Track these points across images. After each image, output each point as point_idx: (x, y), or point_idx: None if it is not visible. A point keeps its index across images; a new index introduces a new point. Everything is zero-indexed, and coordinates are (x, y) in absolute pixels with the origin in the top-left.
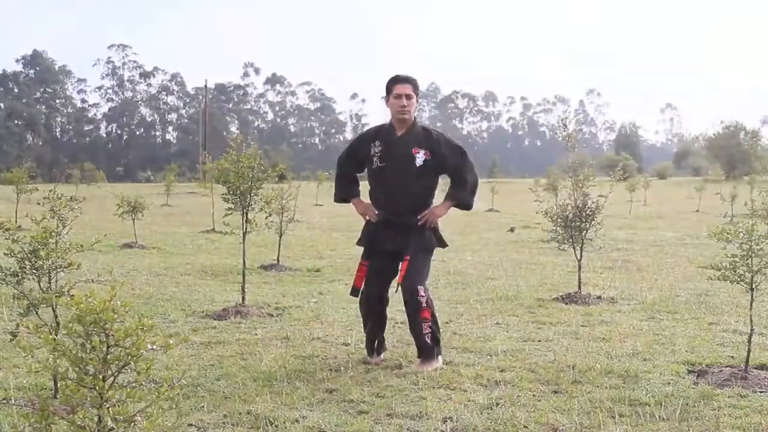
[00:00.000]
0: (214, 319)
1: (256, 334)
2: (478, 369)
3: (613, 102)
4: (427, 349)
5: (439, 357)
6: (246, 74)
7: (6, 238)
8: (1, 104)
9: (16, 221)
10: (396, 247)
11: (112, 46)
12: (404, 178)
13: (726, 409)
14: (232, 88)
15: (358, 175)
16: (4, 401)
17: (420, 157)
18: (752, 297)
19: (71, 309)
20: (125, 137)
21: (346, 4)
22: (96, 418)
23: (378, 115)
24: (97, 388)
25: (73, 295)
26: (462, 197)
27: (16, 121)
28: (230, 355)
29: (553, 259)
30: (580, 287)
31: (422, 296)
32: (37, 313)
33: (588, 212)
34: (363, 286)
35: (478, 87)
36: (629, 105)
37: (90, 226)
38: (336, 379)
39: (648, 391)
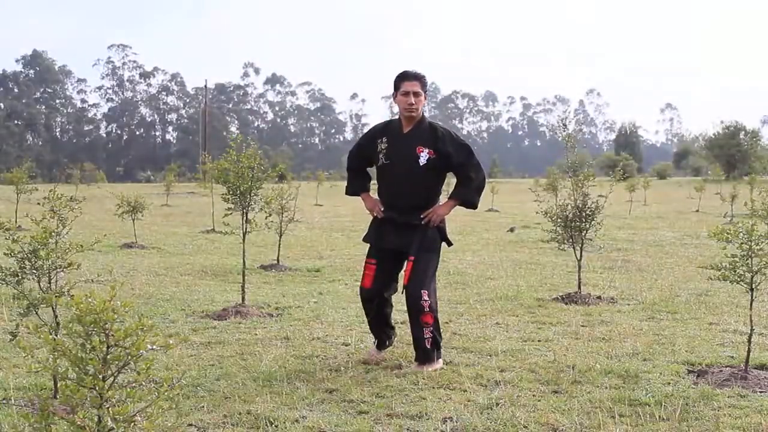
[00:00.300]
0: (214, 319)
1: (256, 334)
2: (478, 369)
3: (613, 102)
4: (426, 354)
5: (440, 359)
6: (246, 74)
7: (6, 238)
8: (1, 104)
9: (16, 221)
10: (400, 246)
11: (112, 46)
12: (407, 176)
13: (726, 409)
14: (232, 88)
15: (369, 169)
16: (4, 401)
17: (424, 156)
18: (752, 297)
19: (71, 309)
20: (125, 137)
21: (346, 4)
22: (96, 418)
23: (378, 115)
24: (97, 388)
25: (73, 295)
26: (466, 196)
27: (16, 121)
28: (230, 355)
29: (553, 259)
30: (580, 287)
31: (425, 300)
32: (37, 313)
33: (588, 212)
34: (363, 281)
35: (478, 87)
36: (629, 105)
37: (90, 226)
38: (336, 379)
39: (648, 391)
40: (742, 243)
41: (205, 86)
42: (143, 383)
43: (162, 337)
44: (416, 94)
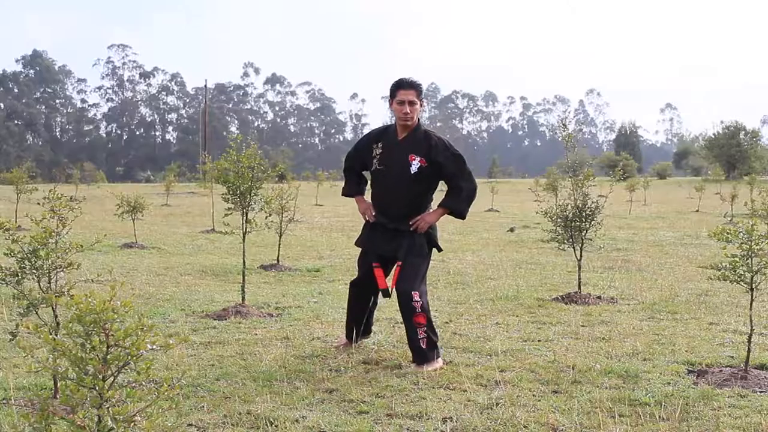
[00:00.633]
0: (214, 319)
1: (256, 334)
2: (478, 369)
3: (613, 102)
4: (421, 354)
5: (439, 358)
6: (246, 74)
7: (6, 238)
8: (1, 104)
9: (16, 221)
10: (388, 252)
11: (112, 46)
12: (399, 183)
13: (726, 409)
14: (232, 88)
15: (365, 172)
16: (4, 401)
17: (415, 165)
18: (752, 297)
19: (71, 309)
20: (125, 137)
21: (346, 4)
22: (96, 418)
23: (378, 114)
24: (97, 388)
25: (73, 295)
26: (455, 205)
27: (16, 121)
28: (230, 355)
29: (553, 259)
30: (580, 287)
31: (417, 301)
32: (37, 313)
33: (588, 212)
34: (358, 269)
35: (478, 87)
36: (629, 105)
37: (90, 226)
38: (336, 379)
39: (648, 391)
40: (742, 243)
41: (205, 86)
42: (143, 383)
43: (162, 337)
44: (411, 103)
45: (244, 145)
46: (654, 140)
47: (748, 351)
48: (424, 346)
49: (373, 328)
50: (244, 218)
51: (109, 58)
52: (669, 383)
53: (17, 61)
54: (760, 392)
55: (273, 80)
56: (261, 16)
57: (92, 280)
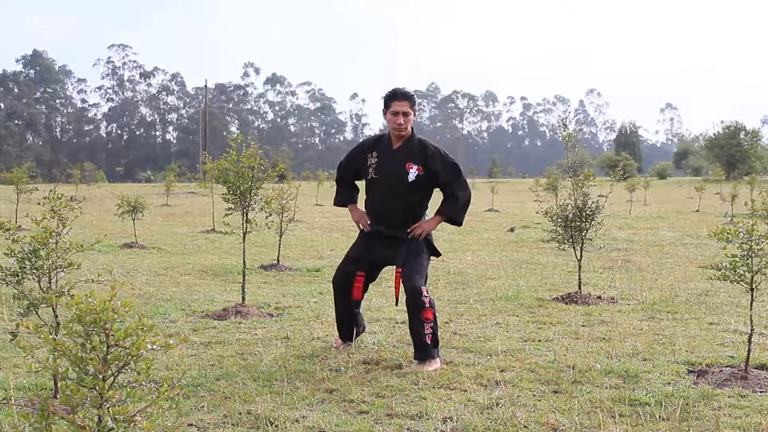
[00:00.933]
0: (214, 319)
1: (256, 334)
2: (478, 369)
3: (613, 102)
4: (426, 349)
5: (438, 358)
6: (246, 74)
7: (6, 238)
8: (1, 104)
9: (16, 221)
10: (386, 259)
11: (112, 46)
12: (396, 191)
13: (726, 409)
14: (232, 88)
15: (357, 182)
16: (4, 401)
17: (413, 173)
18: (752, 297)
19: (71, 309)
20: (125, 137)
21: (346, 4)
22: (96, 418)
23: (378, 114)
24: (97, 388)
25: (73, 295)
26: (452, 213)
27: (16, 121)
28: (230, 355)
29: (553, 259)
30: (580, 287)
31: (426, 296)
32: (37, 313)
33: (588, 212)
34: (340, 264)
35: (478, 87)
36: (629, 105)
37: (90, 226)
38: (336, 379)
39: (648, 391)
40: (742, 243)
41: (205, 86)
42: (143, 383)
43: (162, 337)
44: (405, 114)
45: (244, 145)
46: (654, 140)
47: (749, 351)
48: (429, 342)
49: (374, 327)
50: (244, 218)
51: (109, 58)
52: (669, 383)
53: (17, 61)
54: (760, 392)
55: (273, 80)
56: (261, 16)
57: (92, 280)
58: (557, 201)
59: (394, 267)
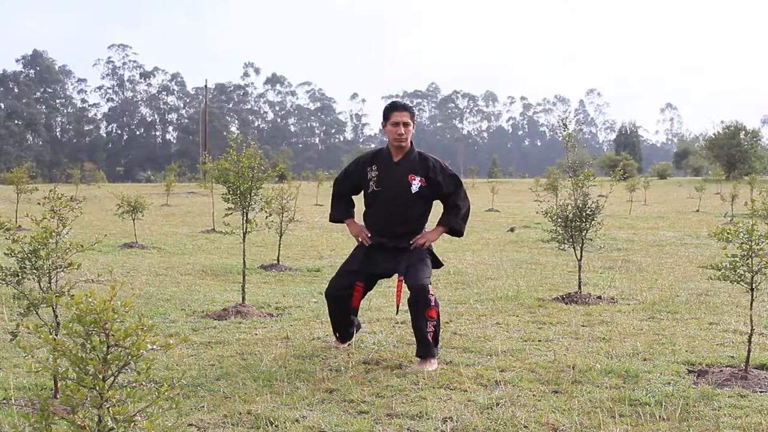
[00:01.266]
0: (214, 319)
1: (256, 334)
2: (478, 369)
3: (613, 102)
4: (427, 346)
5: (437, 357)
6: (246, 74)
7: (6, 238)
8: (1, 104)
9: (16, 221)
10: (389, 270)
11: (112, 46)
12: (399, 203)
13: (726, 409)
14: (232, 88)
15: (353, 197)
16: (4, 401)
17: (416, 184)
18: (752, 297)
19: (71, 309)
20: (125, 137)
21: (346, 4)
22: (96, 418)
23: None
24: (97, 388)
25: (73, 295)
26: (454, 224)
27: (16, 121)
28: (230, 355)
29: (553, 259)
30: (580, 287)
31: (432, 295)
32: (37, 313)
33: (588, 212)
34: (334, 276)
35: (478, 87)
36: (629, 105)
37: (90, 226)
38: (336, 379)
39: (648, 391)
40: (742, 243)
41: (206, 86)
42: (143, 383)
43: (162, 337)
44: (405, 125)
45: (244, 145)
46: (654, 140)
47: (749, 351)
48: (431, 339)
49: (374, 327)
50: (244, 218)
51: (109, 58)
52: (669, 383)
53: (17, 61)
54: (761, 392)
55: (273, 80)
56: (261, 16)
57: (92, 280)
58: (557, 201)
59: (396, 275)
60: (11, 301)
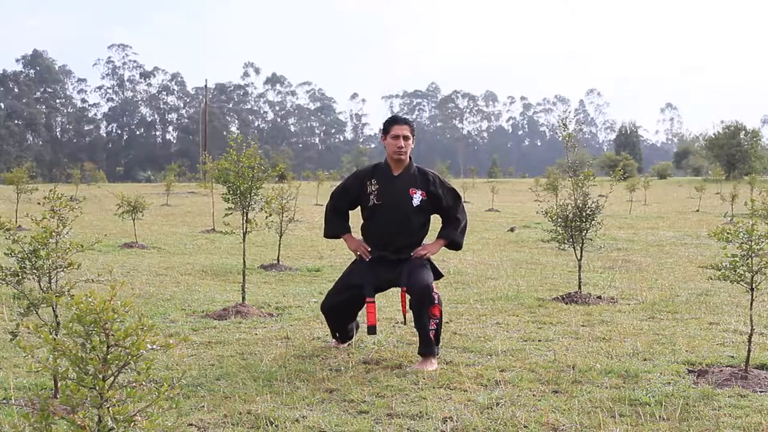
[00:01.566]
0: (214, 319)
1: (256, 334)
2: (478, 369)
3: (613, 102)
4: (429, 344)
5: (437, 357)
6: (246, 74)
7: (6, 238)
8: (1, 104)
9: (16, 221)
10: (390, 282)
11: (112, 46)
12: (401, 216)
13: (726, 409)
14: (232, 88)
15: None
16: (4, 401)
17: (417, 198)
18: (752, 297)
19: (71, 309)
20: (125, 137)
21: (346, 4)
22: (96, 418)
23: (378, 115)
24: (97, 388)
25: (73, 295)
26: (453, 237)
27: (16, 121)
28: (230, 355)
29: (553, 259)
30: (580, 287)
31: (436, 293)
32: (37, 313)
33: (588, 212)
34: (332, 291)
35: (478, 87)
36: (629, 105)
37: (90, 226)
38: (336, 379)
39: (648, 391)
40: (742, 243)
41: (206, 86)
42: (143, 383)
43: (162, 337)
44: (405, 138)
45: (244, 145)
46: (654, 140)
47: (749, 351)
48: (432, 338)
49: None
50: (244, 218)
51: (109, 58)
52: (669, 383)
53: (17, 61)
54: (761, 392)
55: (273, 80)
56: (261, 16)
57: (92, 280)
58: (557, 201)
59: (399, 289)
60: (11, 301)
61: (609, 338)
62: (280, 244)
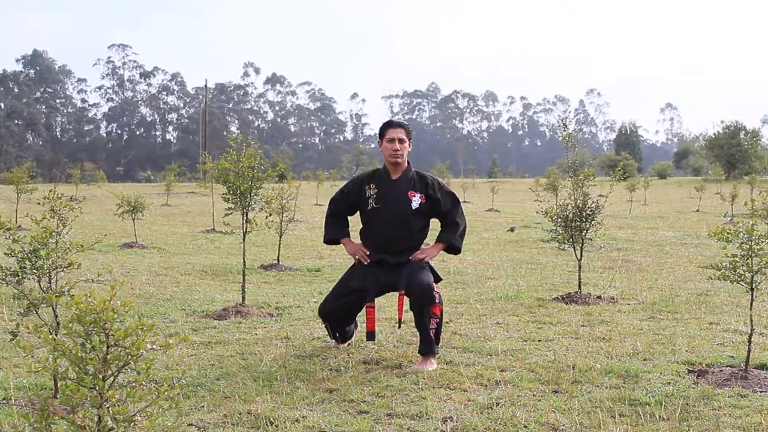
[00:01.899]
0: (214, 319)
1: (256, 334)
2: (478, 369)
3: (613, 102)
4: (429, 343)
5: (437, 357)
6: (246, 74)
7: (6, 238)
8: (1, 104)
9: (16, 221)
10: (389, 286)
11: (112, 46)
12: (400, 219)
13: (726, 409)
14: (232, 88)
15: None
16: (4, 401)
17: (416, 201)
18: (752, 297)
19: (71, 309)
20: (125, 137)
21: (346, 4)
22: (96, 418)
23: (378, 115)
24: (97, 388)
25: (73, 295)
26: (452, 240)
27: (16, 121)
28: (230, 355)
29: (553, 259)
30: (580, 287)
31: (437, 292)
32: (37, 313)
33: (588, 212)
34: (330, 295)
35: (478, 87)
36: (629, 105)
37: (90, 226)
38: (336, 379)
39: (648, 391)
40: (742, 243)
41: (206, 86)
42: (143, 383)
43: (162, 337)
44: (401, 141)
45: (244, 145)
46: (654, 140)
47: (749, 351)
48: (432, 336)
49: (375, 327)
50: (244, 218)
51: (109, 57)
52: (669, 383)
53: (17, 61)
54: (761, 392)
55: (273, 80)
56: (261, 16)
57: (92, 280)
58: (557, 201)
59: (397, 292)
60: (11, 301)
61: (609, 338)
62: (280, 244)
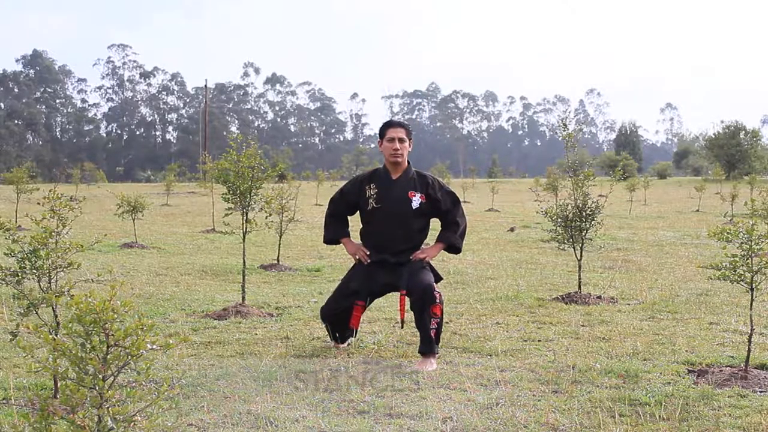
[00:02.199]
0: (214, 319)
1: (256, 334)
2: (478, 369)
3: (613, 102)
4: (429, 343)
5: (437, 357)
6: (246, 74)
7: (6, 238)
8: (1, 104)
9: (16, 221)
10: (389, 287)
11: (112, 45)
12: (400, 219)
13: (726, 409)
14: (232, 88)
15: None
16: (4, 401)
17: (416, 200)
18: (752, 297)
19: (71, 309)
20: (125, 137)
21: (346, 4)
22: (96, 418)
23: (378, 115)
24: (97, 388)
25: (73, 295)
26: (452, 240)
27: (16, 121)
28: (230, 355)
29: (553, 259)
30: (580, 287)
31: (438, 292)
32: (37, 313)
33: (588, 212)
34: (332, 298)
35: (478, 87)
36: (629, 105)
37: (90, 226)
38: (336, 379)
39: (648, 391)
40: (742, 243)
41: (206, 86)
42: (143, 383)
43: (162, 337)
44: (401, 140)
45: (244, 145)
46: (654, 140)
47: (749, 351)
48: (433, 336)
49: (374, 327)
50: (244, 218)
51: (109, 58)
52: (669, 383)
53: (17, 61)
54: (760, 392)
55: (273, 80)
56: (261, 16)
57: (92, 280)
58: (557, 201)
59: (398, 292)
60: (11, 301)
61: (609, 338)
62: (280, 244)
